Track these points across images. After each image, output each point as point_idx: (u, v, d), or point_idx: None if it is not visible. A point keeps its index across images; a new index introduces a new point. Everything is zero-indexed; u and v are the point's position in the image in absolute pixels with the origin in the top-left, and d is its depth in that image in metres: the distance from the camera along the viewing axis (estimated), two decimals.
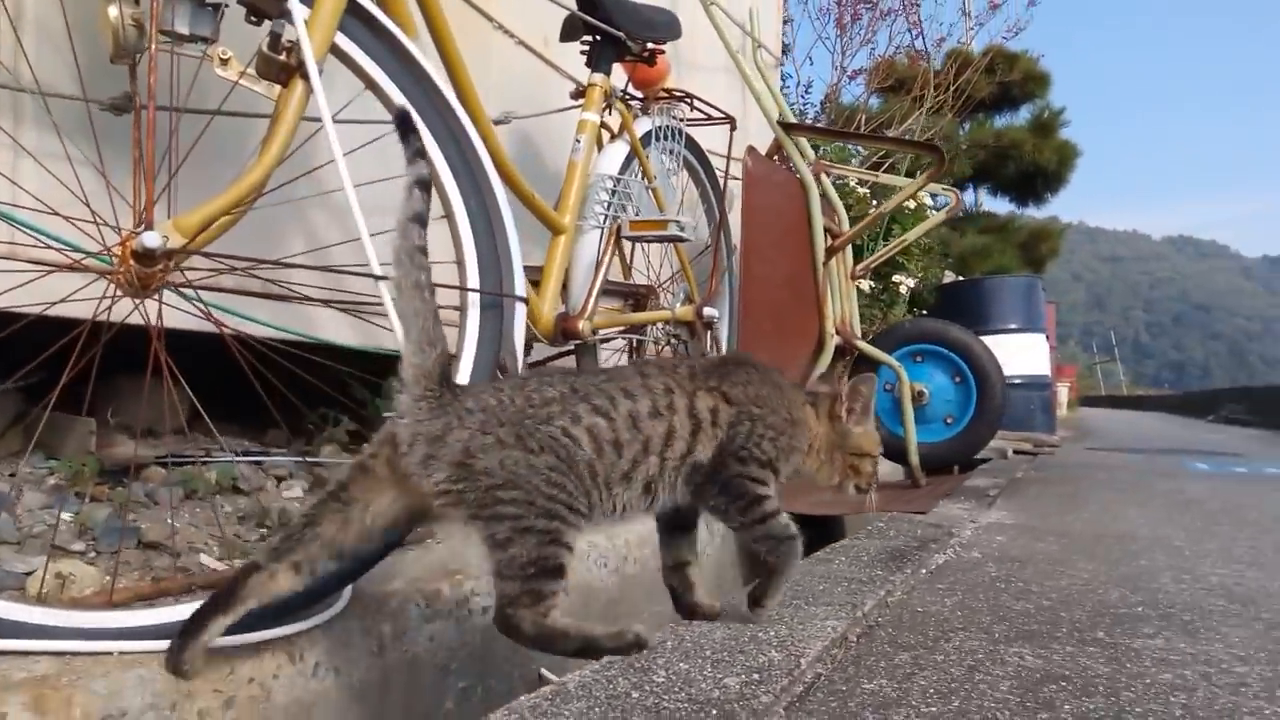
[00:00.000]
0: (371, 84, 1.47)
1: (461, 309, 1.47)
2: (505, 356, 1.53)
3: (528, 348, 2.09)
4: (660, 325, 2.55)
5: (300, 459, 2.05)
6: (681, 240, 2.23)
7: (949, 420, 3.31)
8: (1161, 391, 34.73)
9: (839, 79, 8.84)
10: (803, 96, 9.03)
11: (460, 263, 1.48)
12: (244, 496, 1.84)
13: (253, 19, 1.47)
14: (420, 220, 1.14)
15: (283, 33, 1.34)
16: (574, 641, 1.07)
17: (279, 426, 2.19)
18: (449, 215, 1.49)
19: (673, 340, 2.58)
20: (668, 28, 2.33)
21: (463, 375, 1.43)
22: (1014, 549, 1.97)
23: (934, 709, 0.93)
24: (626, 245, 2.61)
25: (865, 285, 5.10)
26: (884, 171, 6.14)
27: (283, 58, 1.36)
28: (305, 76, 1.36)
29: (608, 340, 2.39)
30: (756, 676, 0.97)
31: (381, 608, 1.42)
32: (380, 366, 1.80)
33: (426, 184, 1.17)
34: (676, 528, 1.27)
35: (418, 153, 1.19)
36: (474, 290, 1.46)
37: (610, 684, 0.94)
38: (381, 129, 1.52)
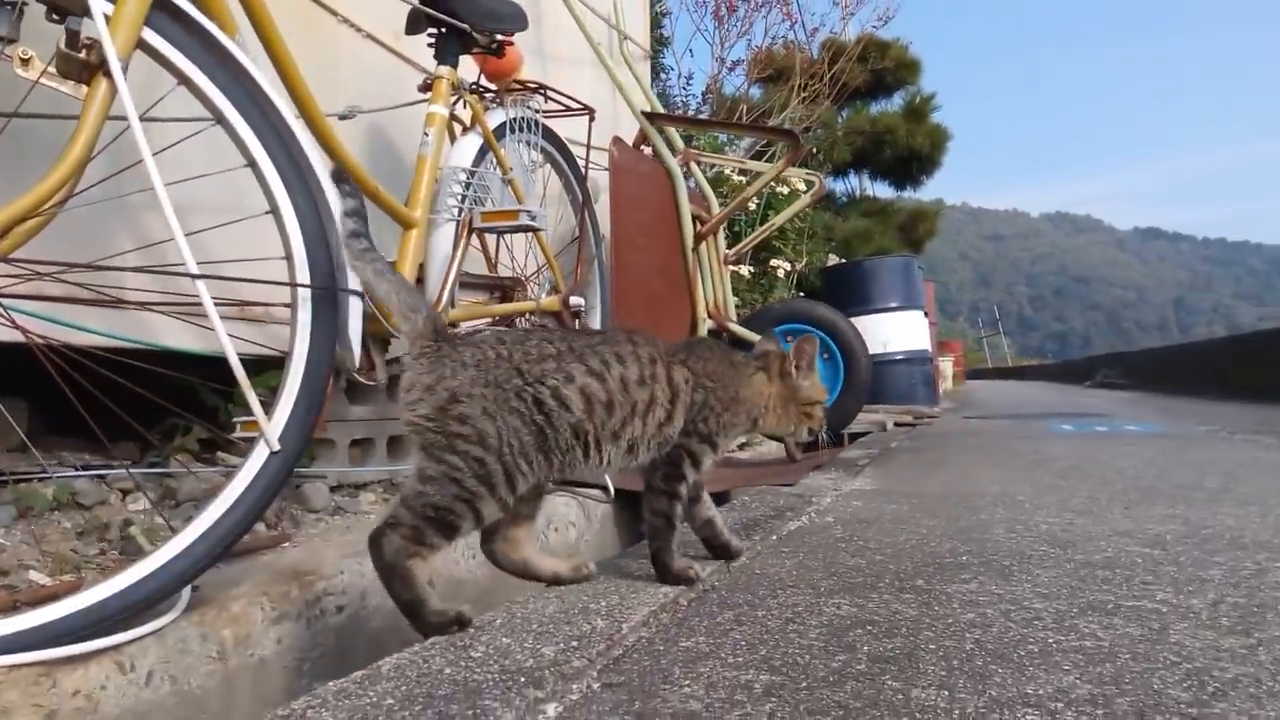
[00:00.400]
0: (185, 80, 1.44)
1: (291, 305, 1.45)
2: (343, 352, 1.52)
3: (385, 343, 2.07)
4: (527, 316, 2.55)
5: (147, 470, 1.99)
6: (534, 230, 2.25)
7: None
8: (1044, 361, 36.49)
9: (719, 70, 8.99)
10: (684, 88, 9.15)
11: (289, 258, 1.47)
12: (85, 511, 1.78)
13: (54, 17, 1.42)
14: (358, 235, 1.28)
15: (80, 30, 1.30)
16: (408, 594, 1.13)
17: (131, 439, 2.12)
18: (275, 212, 1.47)
19: None
20: (513, 19, 2.33)
21: (293, 373, 1.42)
22: (865, 512, 2.06)
23: (741, 658, 0.97)
24: (491, 238, 2.61)
25: (745, 270, 5.21)
26: (765, 160, 6.28)
27: (83, 55, 1.31)
28: (109, 74, 1.32)
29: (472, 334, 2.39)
30: (575, 644, 0.99)
31: (223, 612, 1.40)
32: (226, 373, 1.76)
33: (357, 212, 1.29)
34: (691, 500, 1.42)
35: (349, 192, 1.31)
36: (303, 285, 1.44)
37: (426, 663, 0.95)
38: (202, 125, 1.50)
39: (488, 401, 1.18)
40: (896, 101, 12.22)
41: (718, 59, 8.87)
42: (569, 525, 2.33)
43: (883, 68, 10.93)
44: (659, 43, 8.88)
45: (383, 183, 2.20)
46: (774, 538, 1.75)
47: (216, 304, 1.91)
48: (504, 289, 2.57)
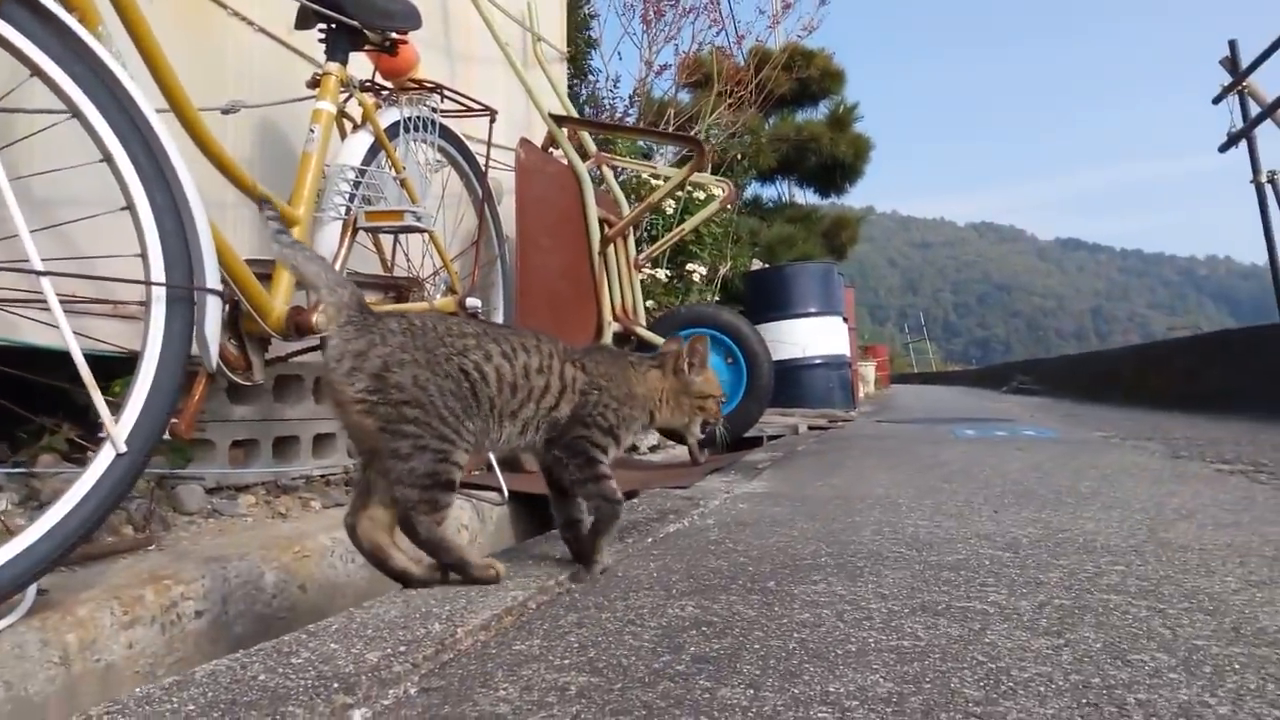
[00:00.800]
0: (38, 72, 1.39)
1: (145, 304, 1.42)
2: (200, 352, 1.49)
3: (265, 342, 2.03)
4: None
5: (10, 470, 1.91)
6: (420, 230, 2.23)
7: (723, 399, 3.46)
8: (967, 367, 37.52)
9: (647, 74, 9.03)
10: (612, 91, 9.16)
11: (144, 256, 1.43)
12: None
13: None
14: (283, 231, 1.41)
15: None
16: (453, 555, 1.34)
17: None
18: (131, 208, 1.43)
19: None
20: (406, 17, 2.31)
21: (144, 373, 1.38)
22: (748, 515, 2.09)
23: (568, 661, 0.98)
24: (387, 238, 2.58)
25: (662, 274, 5.25)
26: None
27: None
28: None
29: None
30: (404, 649, 0.99)
31: (67, 615, 1.36)
32: (104, 370, 1.71)
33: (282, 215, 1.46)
34: (563, 493, 1.52)
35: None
36: (156, 284, 1.41)
37: (243, 669, 0.94)
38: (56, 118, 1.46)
39: (419, 367, 1.30)
40: (821, 110, 12.46)
41: (645, 62, 8.93)
42: (461, 528, 2.31)
43: (808, 76, 11.11)
44: (587, 44, 8.89)
45: (276, 180, 2.16)
46: (649, 540, 1.77)
47: (89, 301, 1.86)
48: (399, 290, 2.55)
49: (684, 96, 9.72)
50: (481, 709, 0.84)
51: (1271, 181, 8.75)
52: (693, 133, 8.09)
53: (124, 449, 1.34)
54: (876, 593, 1.30)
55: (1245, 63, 8.80)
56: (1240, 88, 8.94)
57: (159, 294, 1.42)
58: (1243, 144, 8.96)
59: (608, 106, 8.84)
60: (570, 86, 8.64)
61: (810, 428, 5.78)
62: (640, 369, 1.60)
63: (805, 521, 1.99)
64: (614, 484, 1.47)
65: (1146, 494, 2.39)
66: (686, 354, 1.61)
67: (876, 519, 2.01)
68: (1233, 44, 9.21)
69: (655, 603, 1.25)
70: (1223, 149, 9.23)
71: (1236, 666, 0.96)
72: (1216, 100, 9.27)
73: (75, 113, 1.42)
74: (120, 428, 1.35)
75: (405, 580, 1.37)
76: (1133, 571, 1.45)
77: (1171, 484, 2.60)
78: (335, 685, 0.88)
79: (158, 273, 1.43)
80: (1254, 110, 8.72)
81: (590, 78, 8.99)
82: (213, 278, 1.49)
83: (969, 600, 1.25)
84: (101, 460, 1.34)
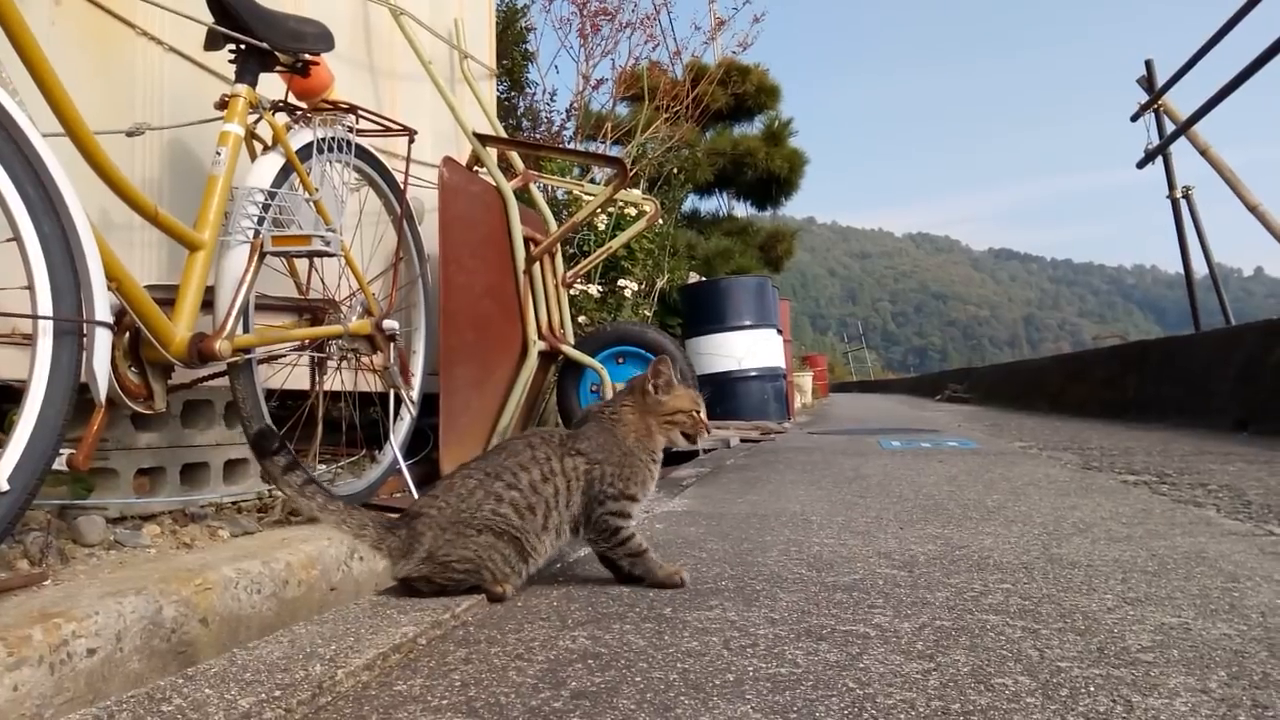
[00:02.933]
0: None
1: (33, 337, 1.39)
2: (90, 384, 1.47)
3: (167, 370, 1.99)
4: (338, 341, 2.51)
5: None
6: (328, 255, 2.21)
7: None
8: (904, 375, 38.23)
9: (584, 87, 9.06)
10: (549, 104, 9.16)
11: (31, 288, 1.40)
12: None
13: None
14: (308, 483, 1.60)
15: None
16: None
17: None
18: (17, 239, 1.40)
19: (350, 353, 2.54)
20: (318, 39, 2.29)
21: (28, 409, 1.35)
22: (663, 535, 2.12)
23: (446, 701, 0.99)
24: (302, 261, 2.55)
25: (594, 289, 5.27)
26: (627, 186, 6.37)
27: None
28: None
29: (274, 359, 2.33)
30: (279, 693, 0.99)
31: None
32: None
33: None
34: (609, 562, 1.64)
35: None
36: (43, 317, 1.38)
37: (110, 718, 0.92)
38: None
39: (456, 546, 1.49)
40: (757, 125, 12.63)
41: (583, 76, 8.95)
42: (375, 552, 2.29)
43: (744, 91, 11.25)
44: (524, 58, 8.89)
45: (187, 204, 2.13)
46: (557, 566, 1.78)
47: None
48: (314, 313, 2.52)
49: (622, 110, 9.77)
50: None
51: (1186, 196, 9.12)
52: (629, 146, 8.15)
53: (6, 487, 1.31)
54: (767, 618, 1.33)
55: (1161, 81, 9.17)
56: (1156, 106, 9.30)
57: (46, 327, 1.39)
58: (1159, 160, 9.33)
59: (545, 120, 8.85)
60: (507, 100, 8.64)
61: (743, 440, 5.83)
62: (619, 420, 1.67)
63: (716, 542, 2.01)
64: (636, 540, 1.60)
65: (1050, 507, 2.47)
66: (651, 378, 1.69)
67: (785, 538, 2.05)
68: (1149, 63, 9.59)
69: (548, 635, 1.26)
70: (1140, 165, 9.59)
71: (1092, 689, 1.01)
72: (1134, 118, 9.64)
73: None
74: (2, 465, 1.32)
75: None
76: (1018, 590, 1.50)
77: (1076, 497, 2.69)
78: None
79: (45, 305, 1.40)
80: (1169, 127, 9.08)
81: (528, 91, 8.99)
82: (102, 310, 1.46)
83: (854, 623, 1.29)
84: None
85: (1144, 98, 9.40)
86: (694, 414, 1.71)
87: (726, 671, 1.08)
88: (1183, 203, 9.04)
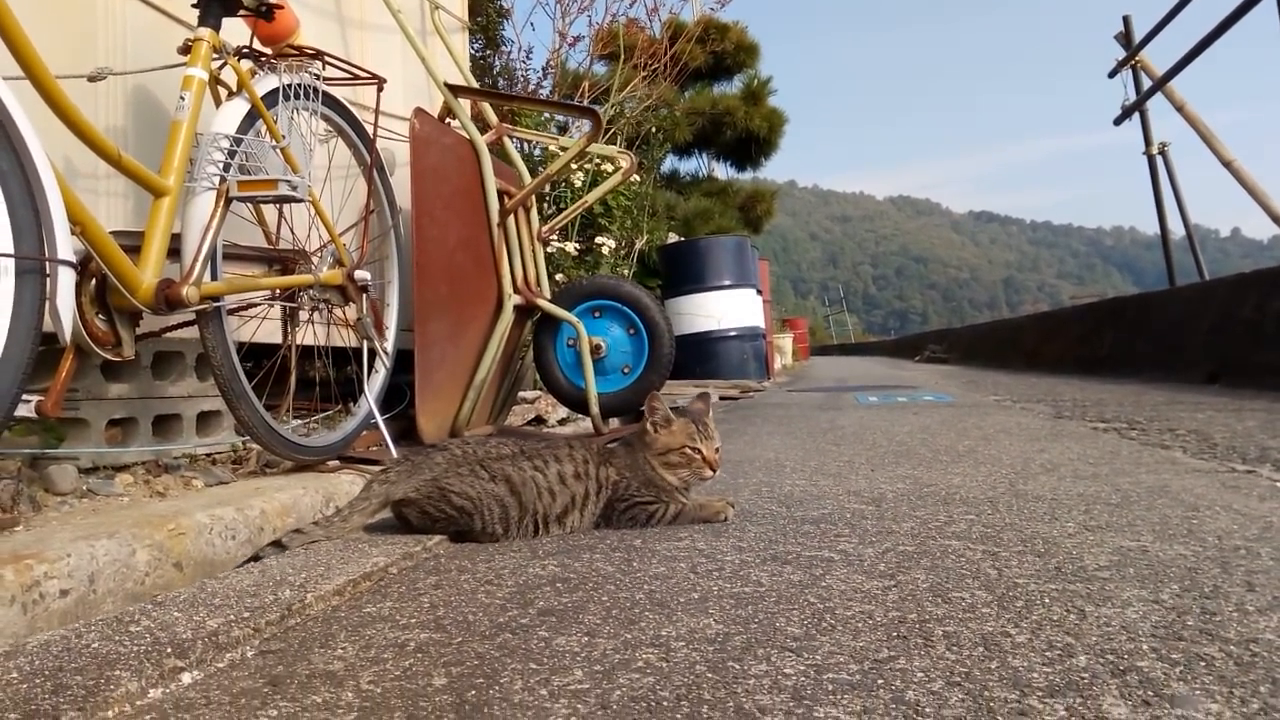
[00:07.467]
0: None
1: None
2: (54, 325, 1.45)
3: (135, 316, 1.98)
4: (309, 291, 2.49)
5: None
6: (295, 200, 2.19)
7: (626, 370, 3.49)
8: (884, 338, 38.42)
9: (560, 45, 8.94)
10: (525, 62, 9.04)
11: None
12: None
13: None
14: None
15: None
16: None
17: None
18: None
19: (322, 305, 2.53)
20: None
21: None
22: None
23: (414, 620, 1.00)
24: (271, 209, 2.52)
25: (571, 247, 5.24)
26: (607, 141, 6.31)
27: None
28: None
29: (245, 308, 2.31)
30: (247, 615, 1.00)
31: None
32: None
33: None
34: None
35: None
36: (4, 255, 1.36)
37: (79, 639, 0.94)
38: None
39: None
40: (736, 84, 12.51)
41: (559, 33, 8.83)
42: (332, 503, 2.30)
43: (723, 50, 11.14)
44: (499, 14, 8.75)
45: (151, 150, 2.09)
46: None
47: None
48: (283, 263, 2.49)
49: (599, 69, 9.66)
50: (315, 667, 0.85)
51: (1162, 153, 9.16)
52: (606, 105, 8.06)
53: None
54: (735, 546, 1.35)
55: (1139, 37, 9.16)
56: (1134, 62, 9.30)
57: (7, 265, 1.37)
58: (1136, 117, 9.35)
59: (521, 79, 8.74)
60: (482, 57, 8.51)
61: (722, 398, 5.86)
62: (643, 446, 1.63)
63: None
64: (664, 508, 1.58)
65: (1019, 451, 2.51)
66: (648, 415, 1.65)
67: (758, 480, 2.07)
68: (1127, 19, 9.57)
69: (518, 563, 1.27)
70: (1117, 122, 9.61)
71: (1047, 601, 1.03)
72: (1112, 74, 9.64)
73: None
74: None
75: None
76: (981, 519, 1.53)
77: (1045, 441, 2.73)
78: (168, 650, 0.88)
79: (4, 243, 1.38)
80: (1147, 84, 9.09)
81: (503, 49, 8.86)
82: (65, 249, 1.44)
83: (818, 550, 1.31)
84: None
85: (1122, 54, 9.39)
86: (687, 450, 1.58)
87: (692, 591, 1.09)
88: (1159, 160, 9.08)
